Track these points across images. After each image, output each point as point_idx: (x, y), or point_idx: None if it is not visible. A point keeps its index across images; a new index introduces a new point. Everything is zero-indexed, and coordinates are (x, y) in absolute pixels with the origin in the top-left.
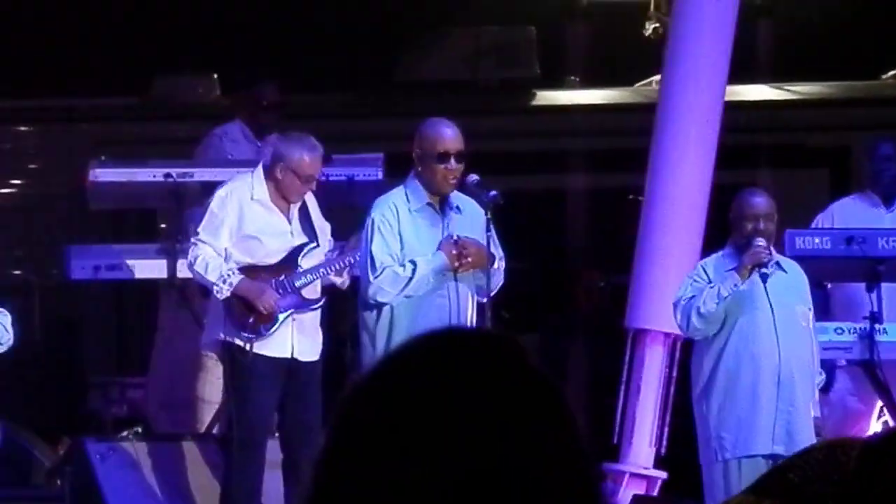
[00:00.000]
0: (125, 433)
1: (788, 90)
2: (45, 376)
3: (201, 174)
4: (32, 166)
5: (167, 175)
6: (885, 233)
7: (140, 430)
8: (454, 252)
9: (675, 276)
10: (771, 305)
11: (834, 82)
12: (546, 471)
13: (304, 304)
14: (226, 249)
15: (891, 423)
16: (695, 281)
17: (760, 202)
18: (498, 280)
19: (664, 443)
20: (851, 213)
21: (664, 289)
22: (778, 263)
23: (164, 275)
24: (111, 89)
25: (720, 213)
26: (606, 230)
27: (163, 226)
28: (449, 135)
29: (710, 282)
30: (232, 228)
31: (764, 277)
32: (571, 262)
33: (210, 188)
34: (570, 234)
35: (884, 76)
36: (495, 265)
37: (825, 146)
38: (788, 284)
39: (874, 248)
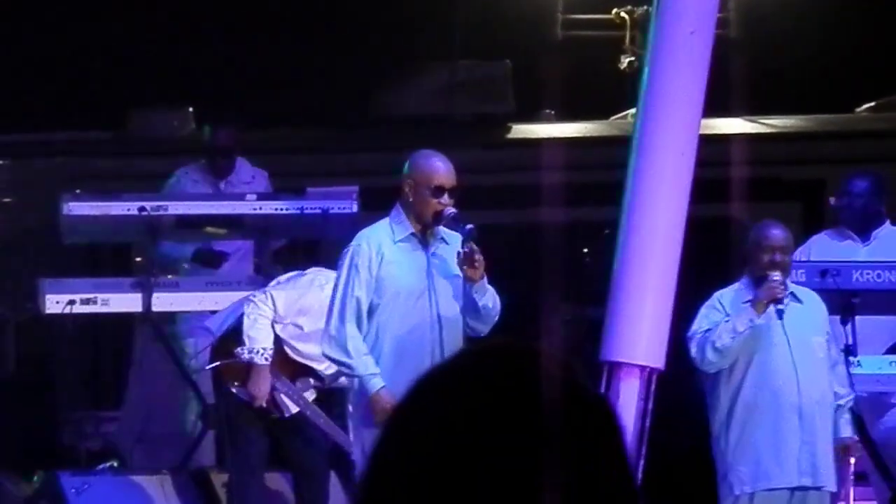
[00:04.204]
0: (100, 467)
1: (763, 123)
2: (18, 410)
3: (175, 208)
4: (6, 200)
5: (141, 209)
6: (860, 265)
7: (115, 463)
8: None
9: (650, 310)
10: (788, 339)
11: (809, 116)
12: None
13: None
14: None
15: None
16: (711, 313)
17: (777, 234)
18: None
19: (639, 475)
20: (828, 247)
21: (639, 322)
22: (793, 294)
23: (138, 308)
24: (86, 123)
25: (695, 246)
26: (581, 263)
27: (138, 259)
28: (444, 170)
29: (726, 314)
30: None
31: (780, 313)
32: (546, 296)
33: (184, 221)
34: (545, 268)
35: (858, 109)
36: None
37: (800, 179)
38: (804, 316)
39: (848, 281)
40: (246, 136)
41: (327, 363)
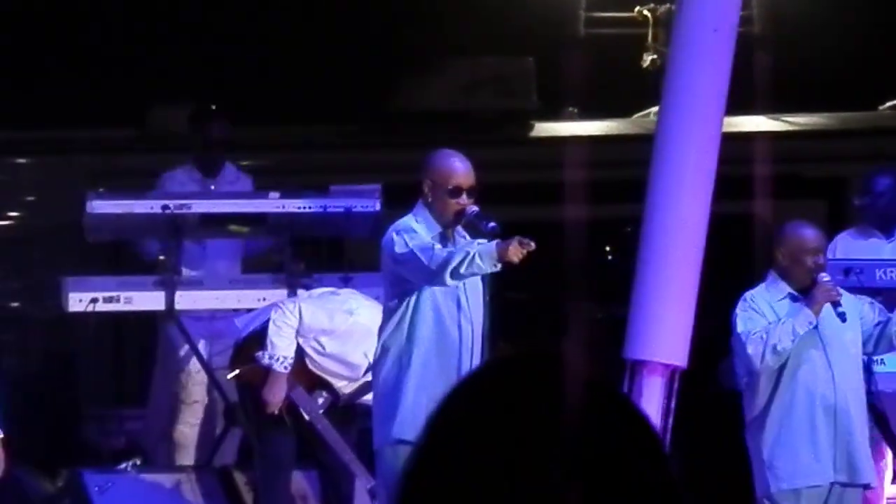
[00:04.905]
0: (124, 465)
1: (786, 121)
2: (42, 408)
3: (199, 206)
4: (30, 198)
5: (165, 207)
6: (883, 264)
7: (139, 461)
8: (512, 246)
9: (672, 308)
10: (821, 339)
11: (831, 113)
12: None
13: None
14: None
15: (889, 454)
16: (752, 315)
17: (816, 235)
18: None
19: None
20: (853, 246)
21: (662, 320)
22: None
23: (161, 307)
24: (108, 121)
25: (718, 244)
26: (604, 261)
27: (161, 258)
28: (462, 169)
29: (759, 312)
30: None
31: (842, 316)
32: (569, 294)
33: (207, 219)
34: (567, 266)
35: (881, 107)
36: None
37: (823, 177)
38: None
39: (871, 279)
40: (266, 134)
41: (345, 381)
